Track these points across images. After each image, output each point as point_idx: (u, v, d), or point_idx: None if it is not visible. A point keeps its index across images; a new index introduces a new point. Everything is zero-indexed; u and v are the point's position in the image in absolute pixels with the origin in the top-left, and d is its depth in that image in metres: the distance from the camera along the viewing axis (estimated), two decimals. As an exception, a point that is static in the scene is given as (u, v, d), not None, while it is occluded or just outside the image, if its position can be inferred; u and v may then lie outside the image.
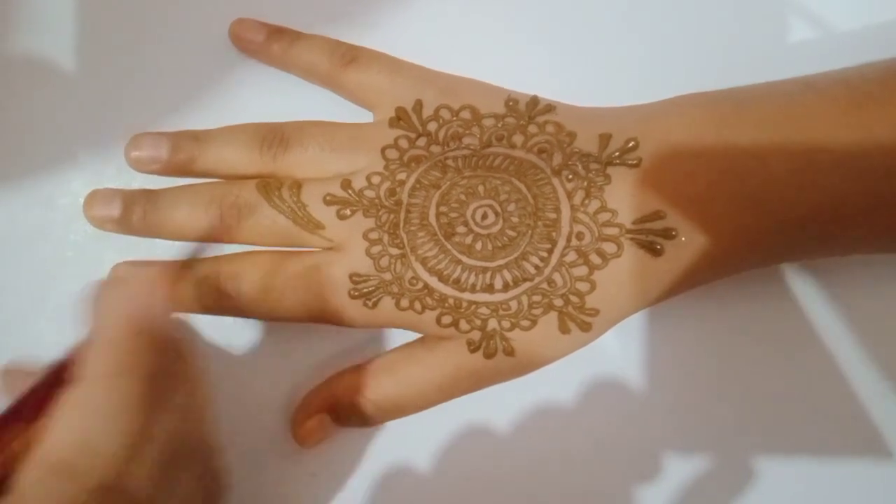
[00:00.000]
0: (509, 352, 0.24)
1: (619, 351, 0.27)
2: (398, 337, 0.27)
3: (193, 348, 0.20)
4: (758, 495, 0.26)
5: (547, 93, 0.26)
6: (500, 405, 0.27)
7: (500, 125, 0.25)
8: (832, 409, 0.27)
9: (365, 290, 0.24)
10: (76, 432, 0.16)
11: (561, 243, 0.23)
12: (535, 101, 0.25)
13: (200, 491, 0.20)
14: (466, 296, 0.24)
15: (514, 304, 0.23)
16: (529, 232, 0.24)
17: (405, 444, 0.27)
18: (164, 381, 0.18)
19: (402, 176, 0.24)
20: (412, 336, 0.25)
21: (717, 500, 0.26)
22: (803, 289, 0.27)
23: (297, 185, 0.24)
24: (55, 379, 0.17)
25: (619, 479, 0.27)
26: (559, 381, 0.26)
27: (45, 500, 0.15)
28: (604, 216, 0.23)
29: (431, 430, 0.27)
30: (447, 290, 0.24)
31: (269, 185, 0.25)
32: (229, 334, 0.27)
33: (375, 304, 0.24)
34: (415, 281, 0.24)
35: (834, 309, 0.27)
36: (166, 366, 0.18)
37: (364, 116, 0.27)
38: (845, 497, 0.26)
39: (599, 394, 0.27)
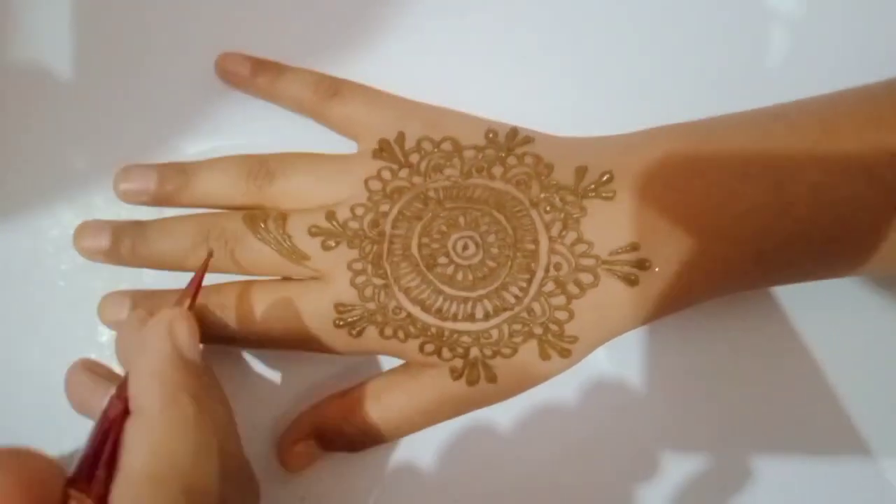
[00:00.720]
0: (491, 378, 0.24)
1: (617, 352, 0.27)
2: (384, 362, 0.27)
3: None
4: (754, 495, 0.27)
5: (527, 121, 0.26)
6: (494, 409, 0.27)
7: (480, 157, 0.25)
8: (825, 410, 0.27)
9: (349, 320, 0.24)
10: (148, 450, 0.18)
11: (539, 274, 0.24)
12: (514, 132, 0.26)
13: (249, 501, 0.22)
14: (448, 325, 0.24)
15: (494, 333, 0.24)
16: (509, 262, 0.24)
17: (393, 465, 0.27)
18: (207, 401, 0.20)
19: (385, 207, 0.25)
20: (398, 362, 0.26)
21: (714, 500, 0.27)
22: (798, 296, 0.28)
23: (283, 217, 0.25)
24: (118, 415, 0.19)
25: (618, 480, 0.27)
26: (558, 381, 0.27)
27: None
28: (580, 248, 0.24)
29: (421, 451, 0.27)
30: (430, 320, 0.24)
31: (255, 217, 0.25)
32: (216, 361, 0.27)
33: (360, 333, 0.24)
34: (398, 310, 0.24)
35: (824, 315, 0.28)
36: (206, 388, 0.20)
37: (348, 146, 0.27)
38: (835, 496, 0.27)
39: (598, 394, 0.27)
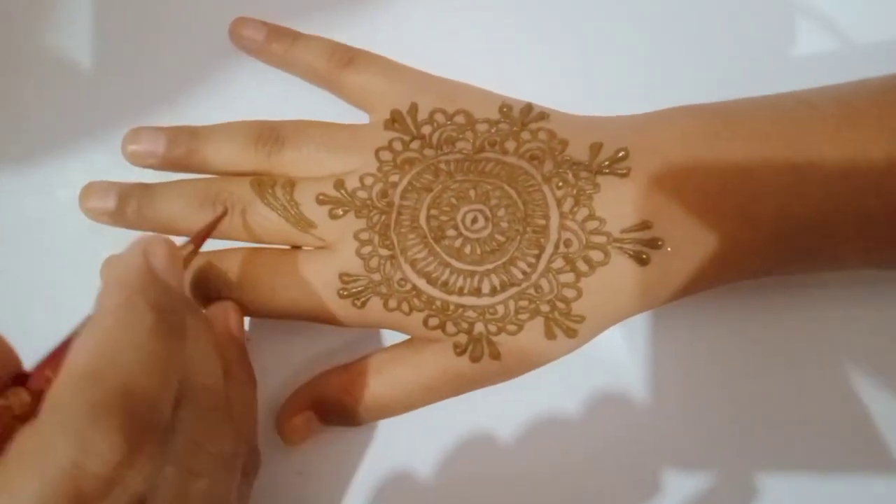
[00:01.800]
0: (495, 356, 0.24)
1: (621, 362, 0.27)
2: (387, 337, 0.27)
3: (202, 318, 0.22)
4: None
5: (541, 100, 0.26)
6: (500, 413, 0.27)
7: (493, 130, 0.25)
8: (836, 424, 0.27)
9: (354, 290, 0.24)
10: (95, 347, 0.17)
11: (549, 249, 0.24)
12: (528, 107, 0.25)
13: (239, 457, 0.21)
14: (454, 298, 0.24)
15: (500, 309, 0.24)
16: (518, 237, 0.24)
17: (393, 441, 0.27)
18: (170, 318, 0.18)
19: (394, 178, 0.25)
20: (401, 336, 0.26)
21: None
22: (806, 301, 0.27)
23: (291, 184, 0.25)
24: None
25: (620, 492, 0.27)
26: (560, 390, 0.27)
27: (71, 401, 0.16)
28: (592, 224, 0.23)
29: (422, 428, 0.27)
30: (435, 293, 0.24)
31: (263, 183, 0.25)
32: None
33: (364, 304, 0.24)
34: (403, 282, 0.24)
35: (838, 321, 0.27)
36: (174, 308, 0.19)
37: (360, 117, 0.27)
38: None
39: (601, 405, 0.27)
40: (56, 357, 0.17)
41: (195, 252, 0.22)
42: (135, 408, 0.16)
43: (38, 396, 0.16)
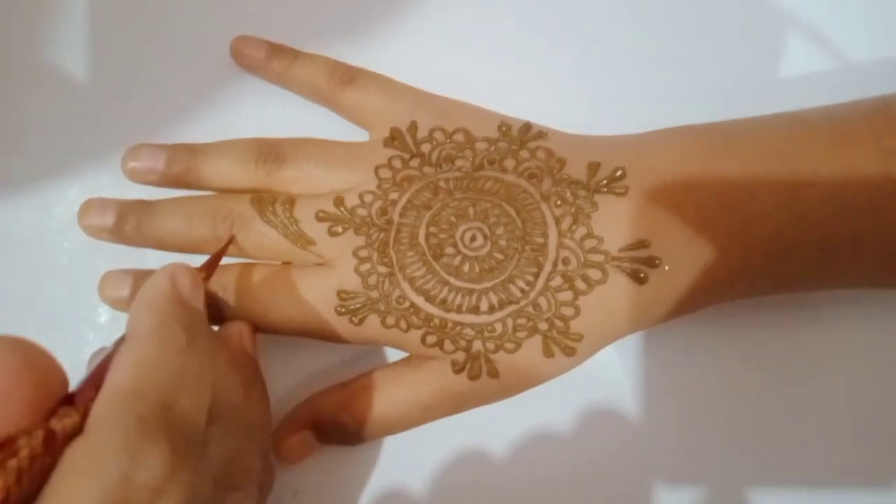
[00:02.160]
0: (493, 374, 0.24)
1: (614, 377, 0.27)
2: (385, 354, 0.27)
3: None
4: None
5: (539, 119, 0.26)
6: (493, 429, 0.27)
7: (492, 149, 0.25)
8: (828, 439, 0.27)
9: (352, 307, 0.24)
10: (135, 365, 0.18)
11: (547, 268, 0.24)
12: (527, 126, 0.25)
13: (260, 472, 0.22)
14: (452, 316, 0.24)
15: (498, 327, 0.24)
16: (517, 255, 0.24)
17: (390, 460, 0.27)
18: (200, 340, 0.19)
19: (394, 195, 0.25)
20: (400, 353, 0.26)
21: None
22: (799, 316, 0.27)
23: (291, 201, 0.25)
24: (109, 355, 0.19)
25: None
26: (554, 406, 0.26)
27: (118, 416, 0.16)
28: (590, 243, 0.23)
29: (419, 445, 0.27)
30: (433, 310, 0.24)
31: (262, 200, 0.25)
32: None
33: (361, 322, 0.24)
34: (401, 300, 0.24)
35: (830, 338, 0.27)
36: (200, 330, 0.20)
37: (360, 135, 0.27)
38: None
39: (595, 420, 0.27)
40: (97, 376, 0.18)
41: (207, 279, 0.22)
42: (176, 423, 0.17)
43: (84, 414, 0.17)
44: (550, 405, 0.26)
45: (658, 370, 0.27)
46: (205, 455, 0.18)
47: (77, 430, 0.16)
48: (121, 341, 0.19)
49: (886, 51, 0.29)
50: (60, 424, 0.16)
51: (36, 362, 0.17)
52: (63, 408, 0.17)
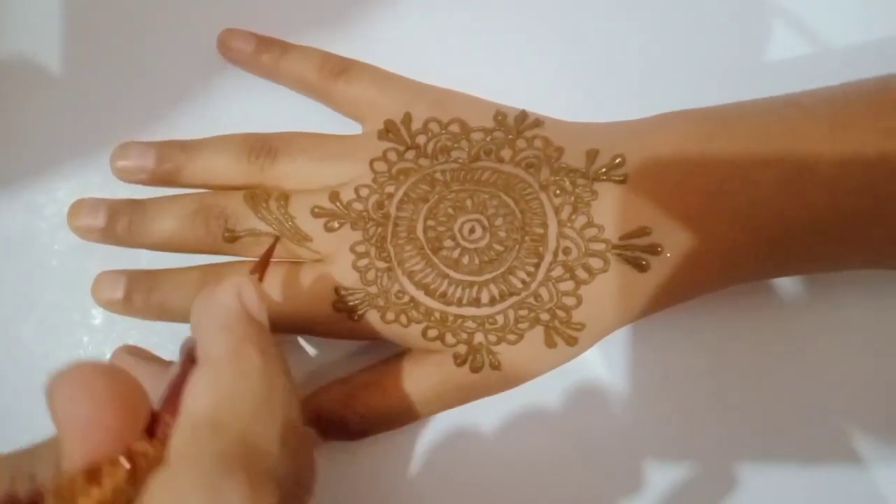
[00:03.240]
0: (496, 365, 0.24)
1: (605, 358, 0.27)
2: (386, 349, 0.27)
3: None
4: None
5: (536, 107, 0.26)
6: (486, 411, 0.27)
7: (488, 139, 0.25)
8: (816, 419, 0.27)
9: (351, 303, 0.24)
10: (213, 395, 0.17)
11: (548, 258, 0.23)
12: (523, 115, 0.25)
13: (310, 483, 0.21)
14: (453, 309, 0.23)
15: (500, 318, 0.23)
16: (517, 246, 0.24)
17: (391, 454, 0.27)
18: (275, 363, 0.19)
19: (390, 189, 0.24)
20: (399, 349, 0.25)
21: None
22: (791, 299, 0.27)
23: (285, 197, 0.24)
24: (188, 367, 0.19)
25: (605, 487, 0.27)
26: (545, 387, 0.26)
27: (198, 451, 0.16)
28: (590, 231, 0.23)
29: (418, 437, 0.27)
30: (433, 304, 0.24)
31: (256, 197, 0.24)
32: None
33: (361, 317, 0.24)
34: (401, 294, 0.24)
35: (821, 320, 0.27)
36: (271, 350, 0.19)
37: (353, 128, 0.27)
38: None
39: (585, 401, 0.27)
40: (172, 400, 0.18)
41: (262, 277, 0.22)
42: (253, 453, 0.17)
43: (164, 441, 0.17)
44: (540, 386, 0.25)
45: (647, 350, 0.27)
46: (277, 479, 0.18)
47: (157, 461, 0.16)
48: (188, 359, 0.19)
49: (872, 34, 0.29)
50: (143, 454, 0.16)
51: (123, 388, 0.16)
52: (144, 437, 0.16)
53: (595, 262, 0.23)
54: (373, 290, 0.24)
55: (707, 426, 0.27)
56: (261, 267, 0.22)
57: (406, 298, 0.24)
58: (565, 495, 0.27)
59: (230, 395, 0.17)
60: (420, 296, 0.24)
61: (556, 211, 0.24)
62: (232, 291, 0.19)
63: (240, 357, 0.18)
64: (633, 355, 0.27)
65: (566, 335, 0.23)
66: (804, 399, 0.27)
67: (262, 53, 0.27)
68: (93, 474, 0.15)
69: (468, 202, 0.24)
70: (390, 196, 0.24)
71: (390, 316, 0.24)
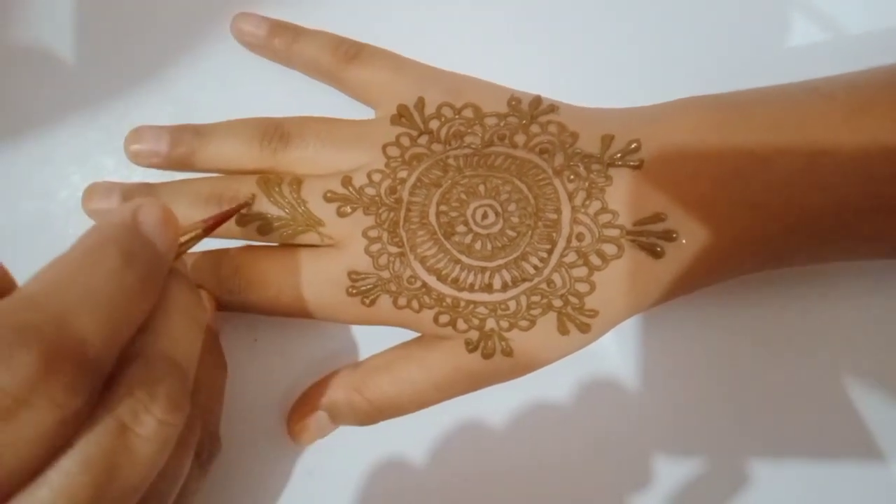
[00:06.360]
0: (507, 352, 0.24)
1: (615, 351, 0.27)
2: (397, 335, 0.26)
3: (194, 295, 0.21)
4: (752, 498, 0.26)
5: (550, 93, 0.25)
6: (496, 403, 0.27)
7: (502, 124, 0.25)
8: (828, 412, 0.26)
9: (363, 288, 0.24)
10: (47, 276, 0.17)
11: (561, 244, 0.23)
12: (537, 100, 0.25)
13: (194, 437, 0.20)
14: (465, 295, 0.23)
15: (512, 304, 0.23)
16: (529, 232, 0.23)
17: (402, 441, 0.27)
18: (145, 276, 0.18)
19: (403, 174, 0.24)
20: (411, 334, 0.25)
21: (712, 502, 0.26)
22: (800, 292, 0.27)
23: (298, 182, 0.24)
24: None
25: (614, 480, 0.27)
26: (555, 380, 0.26)
27: (6, 318, 0.16)
28: (604, 217, 0.23)
29: (428, 427, 0.27)
30: (445, 290, 0.23)
31: (269, 181, 0.24)
32: (224, 330, 0.27)
33: (373, 302, 0.24)
34: (413, 279, 0.24)
35: (831, 312, 0.27)
36: (151, 266, 0.19)
37: (366, 113, 0.27)
38: (840, 500, 0.26)
39: (595, 394, 0.27)
40: None
41: (207, 233, 0.21)
42: (64, 339, 0.16)
43: None
44: (549, 378, 0.25)
45: (657, 342, 0.27)
46: (110, 391, 0.17)
47: None
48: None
49: (890, 21, 0.29)
50: None
51: None
52: None
53: (609, 248, 0.23)
54: (385, 274, 0.24)
55: (720, 418, 0.27)
56: (216, 219, 0.22)
57: (418, 284, 0.24)
58: (576, 486, 0.26)
59: (63, 279, 0.17)
60: (432, 281, 0.23)
61: (570, 196, 0.23)
62: (131, 206, 0.19)
63: (93, 252, 0.18)
64: (645, 346, 0.27)
65: (579, 322, 0.23)
66: (820, 391, 0.27)
67: (274, 37, 0.27)
68: None
69: (481, 187, 0.24)
70: (403, 181, 0.24)
71: (402, 301, 0.24)
